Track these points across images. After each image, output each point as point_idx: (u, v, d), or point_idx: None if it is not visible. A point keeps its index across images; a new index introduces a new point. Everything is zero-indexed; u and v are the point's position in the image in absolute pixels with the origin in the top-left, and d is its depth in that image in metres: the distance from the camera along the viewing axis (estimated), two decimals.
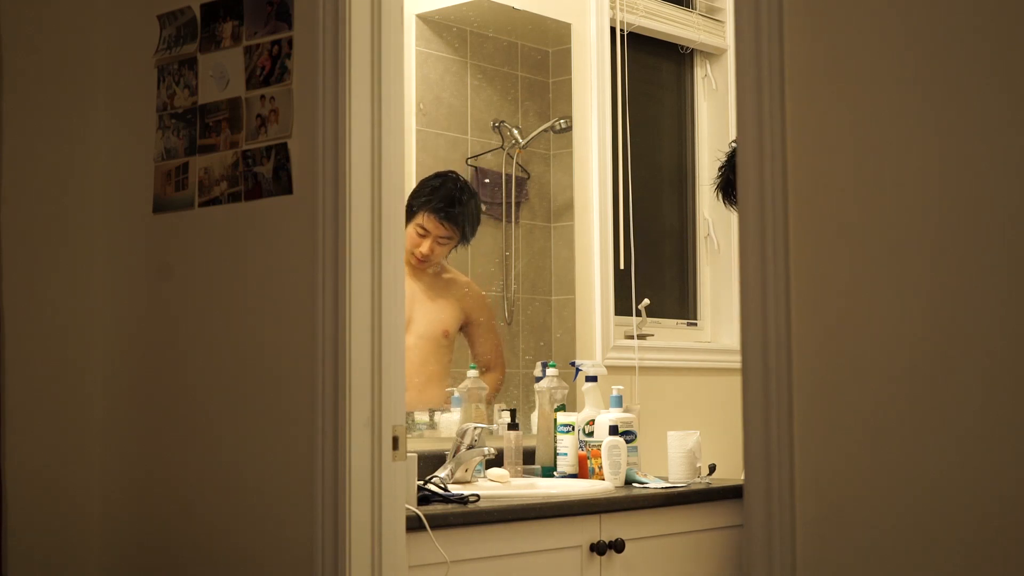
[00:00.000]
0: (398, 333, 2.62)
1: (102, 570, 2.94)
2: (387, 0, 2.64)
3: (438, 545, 2.75)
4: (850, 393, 1.93)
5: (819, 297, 1.97)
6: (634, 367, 4.12)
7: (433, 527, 2.75)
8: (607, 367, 3.89)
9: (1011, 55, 1.80)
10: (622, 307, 4.18)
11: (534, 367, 3.84)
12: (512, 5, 3.98)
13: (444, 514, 2.82)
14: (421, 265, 3.69)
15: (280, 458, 2.64)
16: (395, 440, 2.59)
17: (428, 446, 3.51)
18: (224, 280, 2.80)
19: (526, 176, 4.05)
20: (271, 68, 2.72)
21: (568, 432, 3.64)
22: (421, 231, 3.65)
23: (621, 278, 4.16)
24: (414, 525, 2.71)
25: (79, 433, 2.95)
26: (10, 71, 2.90)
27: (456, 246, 3.74)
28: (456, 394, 3.61)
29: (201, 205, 2.83)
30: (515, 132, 4.01)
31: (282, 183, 2.68)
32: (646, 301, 4.17)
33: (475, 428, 3.36)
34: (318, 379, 2.56)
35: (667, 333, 4.38)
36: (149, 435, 2.90)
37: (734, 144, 3.00)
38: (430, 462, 3.37)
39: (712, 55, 4.63)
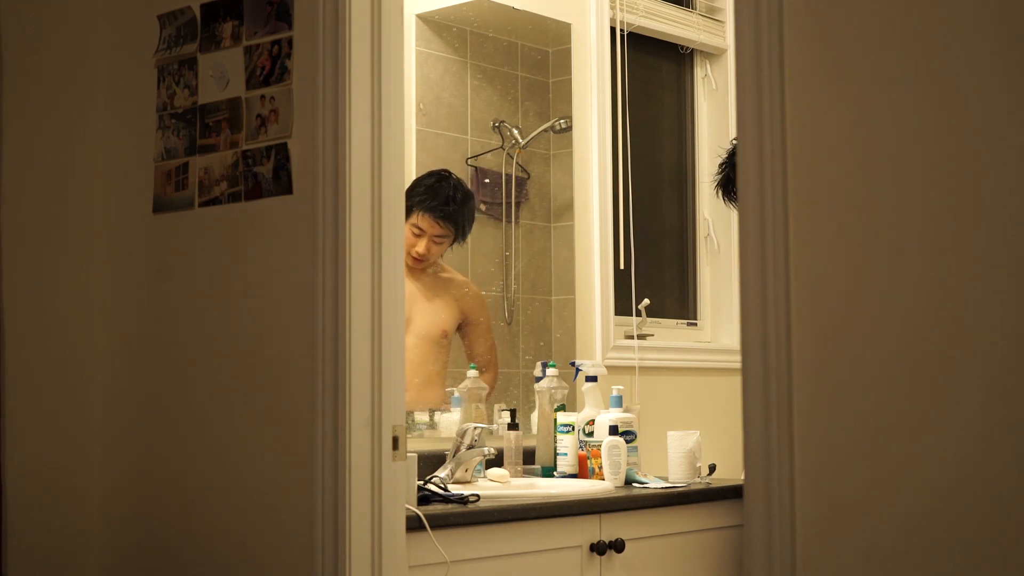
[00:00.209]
0: (398, 333, 2.62)
1: (102, 570, 2.94)
2: (387, 0, 2.64)
3: (438, 545, 2.75)
4: (850, 393, 1.93)
5: (819, 297, 1.97)
6: (634, 367, 4.12)
7: (433, 527, 2.75)
8: (607, 367, 3.89)
9: (1011, 55, 1.80)
10: (622, 307, 4.18)
11: (534, 367, 3.84)
12: (512, 5, 3.98)
13: (444, 514, 2.82)
14: (417, 264, 3.69)
15: (280, 458, 2.64)
16: (395, 440, 2.59)
17: (428, 446, 3.51)
18: (224, 280, 2.80)
19: (526, 176, 4.05)
20: (271, 68, 2.72)
21: (568, 432, 3.64)
22: (416, 230, 3.64)
23: (621, 278, 4.16)
24: (414, 525, 2.71)
25: (79, 433, 2.95)
26: (10, 71, 2.90)
27: (452, 245, 3.74)
28: (456, 394, 3.61)
29: (201, 205, 2.83)
30: (515, 132, 4.01)
31: (282, 183, 2.68)
32: (646, 301, 4.17)
33: (475, 428, 3.36)
34: (318, 379, 2.56)
35: (667, 333, 4.38)
36: (149, 435, 2.90)
37: (735, 142, 3.00)
38: (430, 462, 3.37)
39: (712, 55, 4.63)
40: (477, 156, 3.93)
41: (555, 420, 3.69)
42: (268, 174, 2.70)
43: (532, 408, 3.81)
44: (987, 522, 1.79)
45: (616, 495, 3.28)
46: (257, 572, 2.67)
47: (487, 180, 3.95)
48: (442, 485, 3.05)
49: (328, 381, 2.55)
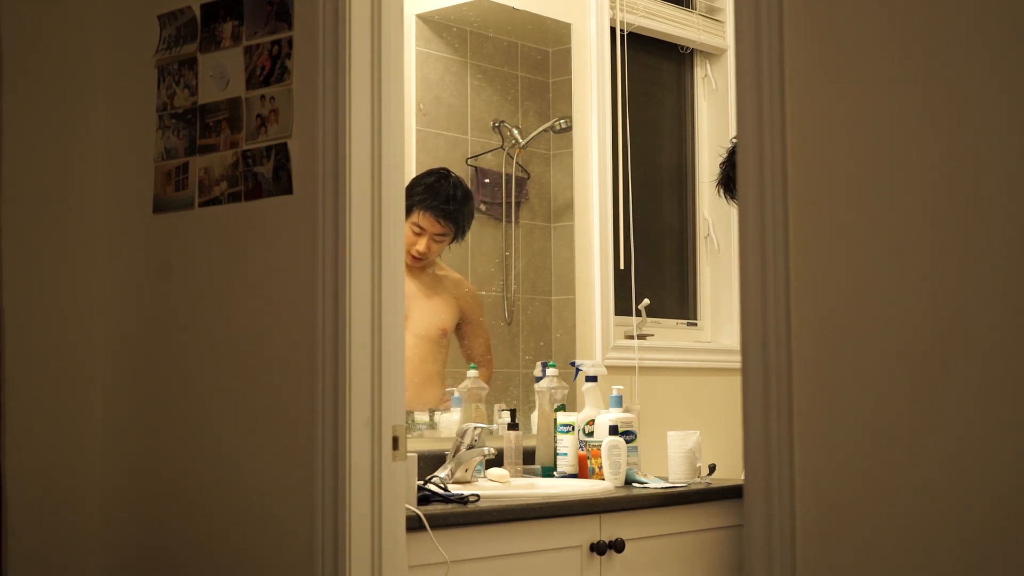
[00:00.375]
0: (398, 333, 2.62)
1: (102, 570, 2.94)
2: (387, 0, 2.64)
3: (438, 545, 2.75)
4: (850, 393, 1.93)
5: (819, 297, 1.97)
6: (634, 367, 4.12)
7: (433, 527, 2.75)
8: (607, 367, 3.89)
9: (1011, 55, 1.80)
10: (622, 307, 4.18)
11: (534, 367, 3.84)
12: (512, 5, 3.98)
13: (444, 514, 2.82)
14: (417, 263, 3.69)
15: (280, 458, 2.64)
16: (395, 440, 2.59)
17: (428, 446, 3.51)
18: (224, 280, 2.80)
19: (526, 176, 4.05)
20: (271, 68, 2.72)
21: (568, 432, 3.64)
22: (417, 229, 3.64)
23: (621, 278, 4.16)
24: (414, 525, 2.71)
25: (79, 433, 2.95)
26: (10, 71, 2.90)
27: (450, 243, 3.74)
28: (456, 394, 3.61)
29: (201, 205, 2.83)
30: (515, 132, 4.01)
31: (282, 183, 2.68)
32: (646, 301, 4.17)
33: (475, 428, 3.36)
34: (318, 379, 2.56)
35: (667, 333, 4.38)
36: (149, 435, 2.90)
37: (734, 140, 3.00)
38: (430, 462, 3.37)
39: (712, 55, 4.63)
40: (477, 156, 3.93)
41: (555, 420, 3.69)
42: (268, 174, 2.70)
43: (532, 408, 3.81)
44: (987, 522, 1.79)
45: (616, 495, 3.28)
46: (257, 572, 2.67)
47: (487, 180, 3.95)
48: (442, 485, 3.05)
49: (328, 381, 2.55)
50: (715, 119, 4.61)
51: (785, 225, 2.00)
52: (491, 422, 3.62)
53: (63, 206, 2.99)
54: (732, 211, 4.33)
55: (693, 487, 3.47)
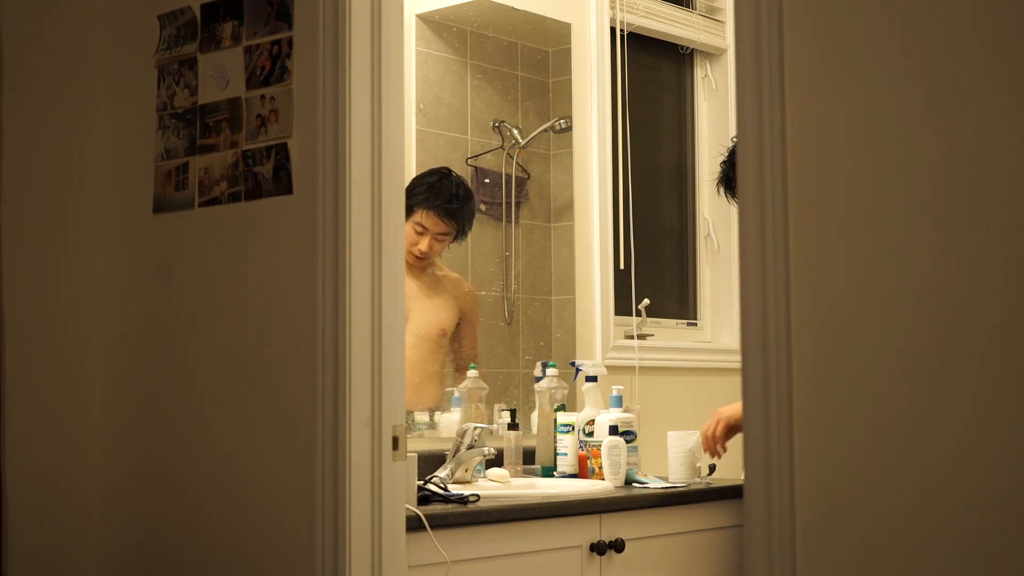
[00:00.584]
0: (398, 333, 2.63)
1: (102, 570, 2.94)
2: (387, 0, 2.64)
3: (438, 545, 2.75)
4: (850, 393, 1.93)
5: (819, 297, 1.97)
6: (634, 367, 4.12)
7: (433, 527, 2.75)
8: (607, 367, 3.89)
9: (1011, 55, 1.80)
10: (622, 307, 4.18)
11: (534, 367, 3.84)
12: (512, 5, 3.98)
13: (444, 514, 2.82)
14: (419, 263, 3.70)
15: (280, 458, 2.64)
16: (395, 440, 2.59)
17: (428, 446, 3.51)
18: (224, 280, 2.80)
19: (526, 176, 4.05)
20: (271, 68, 2.72)
21: (568, 432, 3.64)
22: (419, 228, 3.65)
23: (621, 278, 4.16)
24: (414, 525, 2.71)
25: (79, 433, 2.95)
26: (10, 71, 2.90)
27: (452, 242, 3.74)
28: (456, 394, 3.62)
29: (201, 205, 2.83)
30: (515, 132, 4.01)
31: (282, 183, 2.68)
32: (646, 301, 4.17)
33: (475, 428, 3.36)
34: (318, 379, 2.56)
35: (667, 333, 4.38)
36: (149, 435, 2.90)
37: (735, 140, 3.00)
38: (430, 462, 3.37)
39: (712, 55, 4.63)
40: (477, 156, 3.93)
41: (555, 420, 3.69)
42: (268, 174, 2.70)
43: (532, 408, 3.81)
44: (987, 522, 1.79)
45: (616, 495, 3.28)
46: (257, 572, 2.67)
47: (487, 180, 3.95)
48: (442, 485, 3.05)
49: (328, 381, 2.55)
50: (715, 119, 4.61)
51: (785, 225, 2.00)
52: (491, 422, 3.62)
53: (63, 206, 2.99)
54: (732, 211, 4.33)
55: (693, 487, 3.47)
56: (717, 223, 4.55)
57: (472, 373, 3.61)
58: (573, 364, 3.84)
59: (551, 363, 3.75)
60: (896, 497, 1.87)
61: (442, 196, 3.66)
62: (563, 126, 4.09)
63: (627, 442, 3.52)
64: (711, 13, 4.61)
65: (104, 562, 2.94)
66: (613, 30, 4.20)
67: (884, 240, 1.90)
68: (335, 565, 2.51)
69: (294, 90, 2.67)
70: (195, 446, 2.81)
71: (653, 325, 4.26)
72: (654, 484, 3.44)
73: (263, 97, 2.73)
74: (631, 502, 3.25)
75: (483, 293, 3.90)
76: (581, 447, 3.63)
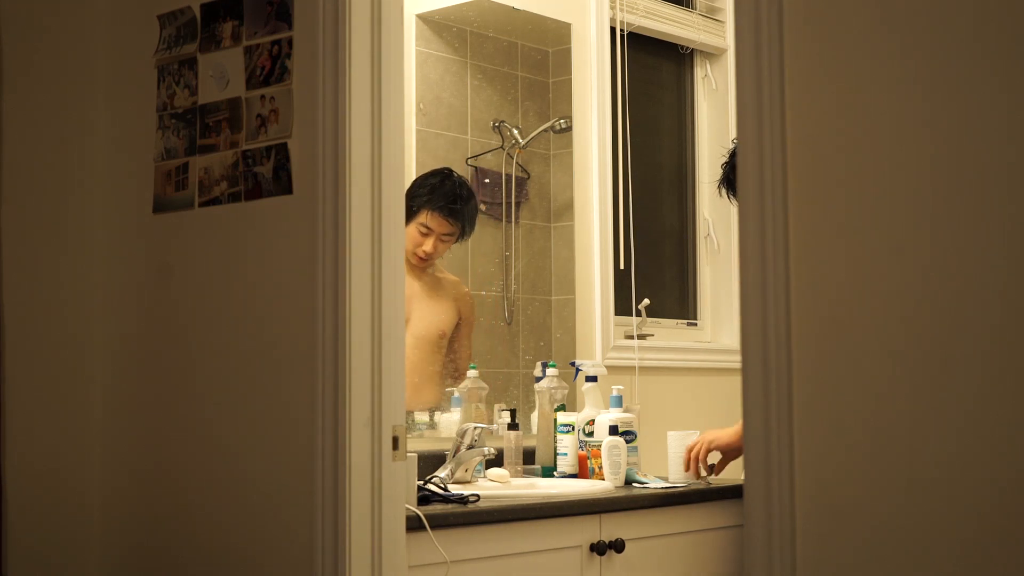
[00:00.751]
0: (398, 333, 2.63)
1: (102, 570, 2.94)
2: (387, 0, 2.64)
3: (438, 545, 2.75)
4: (850, 393, 1.93)
5: (819, 297, 1.97)
6: (634, 367, 4.12)
7: (433, 527, 2.75)
8: (607, 367, 3.89)
9: (1011, 55, 1.80)
10: (622, 307, 4.18)
11: (534, 367, 3.84)
12: (512, 5, 3.98)
13: (444, 514, 2.82)
14: (422, 264, 3.70)
15: (280, 458, 2.64)
16: (395, 440, 2.59)
17: (428, 446, 3.51)
18: (224, 280, 2.80)
19: (526, 176, 4.05)
20: (271, 68, 2.72)
21: (568, 432, 3.64)
22: (424, 229, 3.64)
23: (621, 278, 4.16)
24: (414, 525, 2.71)
25: (79, 433, 2.95)
26: (10, 71, 2.90)
27: (454, 243, 3.74)
28: (456, 394, 3.62)
29: (201, 205, 2.83)
30: (515, 132, 4.01)
31: (282, 183, 2.68)
32: (646, 301, 4.17)
33: (475, 428, 3.36)
34: (318, 379, 2.56)
35: (667, 333, 4.38)
36: (149, 435, 2.90)
37: (735, 141, 3.00)
38: (430, 462, 3.37)
39: (712, 55, 4.63)
40: (477, 156, 3.93)
41: (555, 420, 3.69)
42: (268, 174, 2.70)
43: (532, 408, 3.81)
44: (987, 522, 1.79)
45: (616, 495, 3.28)
46: (257, 572, 2.67)
47: (487, 180, 3.95)
48: (442, 485, 3.05)
49: (328, 381, 2.55)
50: (715, 119, 4.61)
51: (785, 225, 2.00)
52: (491, 422, 3.62)
53: (63, 206, 2.99)
54: (732, 211, 4.33)
55: (693, 487, 3.47)
56: (717, 223, 4.55)
57: (472, 373, 3.61)
58: (573, 364, 3.84)
59: (551, 363, 3.75)
60: (896, 497, 1.87)
61: (446, 197, 3.66)
62: (563, 126, 4.09)
63: (627, 442, 3.52)
64: (711, 13, 4.61)
65: (104, 562, 2.94)
66: (613, 30, 4.20)
67: (884, 240, 1.90)
68: (335, 565, 2.51)
69: (294, 90, 2.67)
70: (195, 446, 2.81)
71: (653, 325, 4.26)
72: (654, 484, 3.44)
73: (263, 97, 2.73)
74: (631, 502, 3.25)
75: (483, 293, 3.90)
76: (581, 447, 3.63)
